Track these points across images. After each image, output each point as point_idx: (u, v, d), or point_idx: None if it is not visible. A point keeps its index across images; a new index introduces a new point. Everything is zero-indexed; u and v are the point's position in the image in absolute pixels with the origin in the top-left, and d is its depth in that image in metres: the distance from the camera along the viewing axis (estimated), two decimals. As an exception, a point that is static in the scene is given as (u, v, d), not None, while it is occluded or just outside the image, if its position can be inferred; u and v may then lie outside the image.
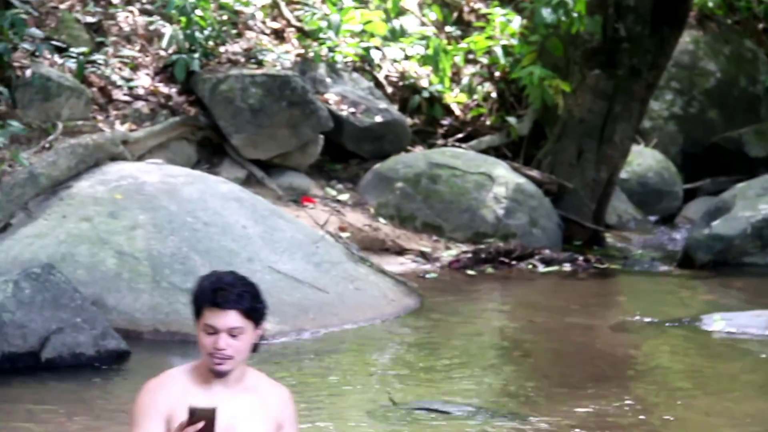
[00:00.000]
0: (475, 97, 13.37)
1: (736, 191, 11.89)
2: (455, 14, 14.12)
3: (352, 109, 11.98)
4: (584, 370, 7.72)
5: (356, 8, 12.71)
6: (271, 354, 7.43)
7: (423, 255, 10.88)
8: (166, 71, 11.09)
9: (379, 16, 12.81)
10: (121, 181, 8.84)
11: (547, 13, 11.88)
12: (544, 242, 11.37)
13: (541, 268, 10.88)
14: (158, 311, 7.96)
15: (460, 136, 13.09)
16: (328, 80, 12.11)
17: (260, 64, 11.39)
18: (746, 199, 11.64)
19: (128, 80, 10.80)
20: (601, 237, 12.18)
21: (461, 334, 8.64)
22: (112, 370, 7.16)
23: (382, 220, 11.36)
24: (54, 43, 10.26)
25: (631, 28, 11.89)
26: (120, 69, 10.88)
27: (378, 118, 12.06)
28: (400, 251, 10.84)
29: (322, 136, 11.53)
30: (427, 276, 10.34)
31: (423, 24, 13.61)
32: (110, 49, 10.94)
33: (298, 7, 12.54)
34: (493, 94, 13.48)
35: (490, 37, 13.29)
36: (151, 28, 11.27)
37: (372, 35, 12.83)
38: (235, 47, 11.55)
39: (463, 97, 13.32)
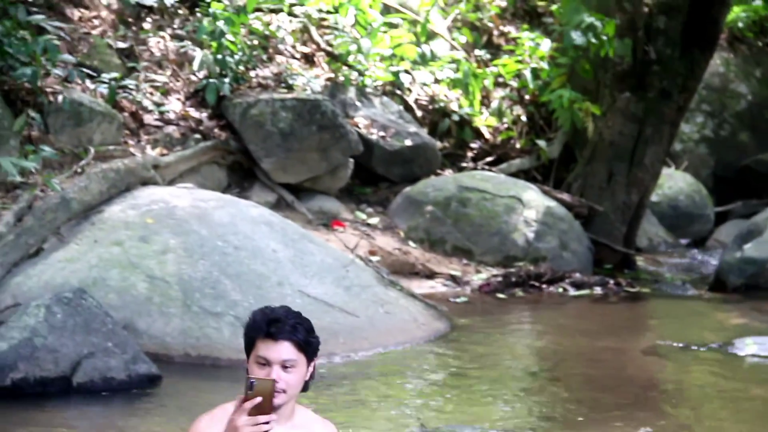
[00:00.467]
0: (505, 120, 13.37)
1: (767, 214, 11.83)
2: (485, 38, 14.14)
3: (382, 133, 12.00)
4: (615, 395, 7.68)
5: (385, 32, 12.75)
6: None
7: (453, 279, 10.87)
8: (197, 96, 11.15)
9: (408, 39, 12.84)
10: (152, 206, 8.88)
11: (576, 35, 11.89)
12: (574, 266, 11.34)
13: (572, 292, 10.84)
14: (189, 335, 7.97)
15: (489, 159, 13.08)
16: (358, 104, 12.15)
17: (290, 88, 11.43)
18: (778, 222, 11.58)
19: (159, 105, 10.86)
20: (632, 260, 12.13)
21: (491, 358, 8.61)
22: (144, 395, 7.17)
23: (412, 243, 11.35)
24: (85, 69, 10.33)
25: (661, 50, 11.87)
26: (151, 94, 10.95)
27: (408, 142, 12.08)
28: (430, 275, 10.83)
29: (352, 160, 11.55)
30: (458, 300, 10.32)
31: (453, 47, 13.64)
32: (141, 74, 11.01)
33: (327, 31, 12.60)
34: (523, 117, 13.48)
35: (519, 61, 13.30)
36: (182, 52, 11.34)
37: (402, 59, 12.86)
38: (265, 71, 11.60)
39: (493, 121, 13.32)
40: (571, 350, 8.98)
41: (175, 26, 11.73)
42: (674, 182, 13.84)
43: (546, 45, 13.18)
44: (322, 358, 8.08)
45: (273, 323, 3.62)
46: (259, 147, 10.98)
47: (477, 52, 13.84)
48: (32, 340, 7.03)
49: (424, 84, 13.13)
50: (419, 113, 12.93)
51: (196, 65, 11.16)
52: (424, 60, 13.07)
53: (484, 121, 13.27)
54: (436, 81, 13.18)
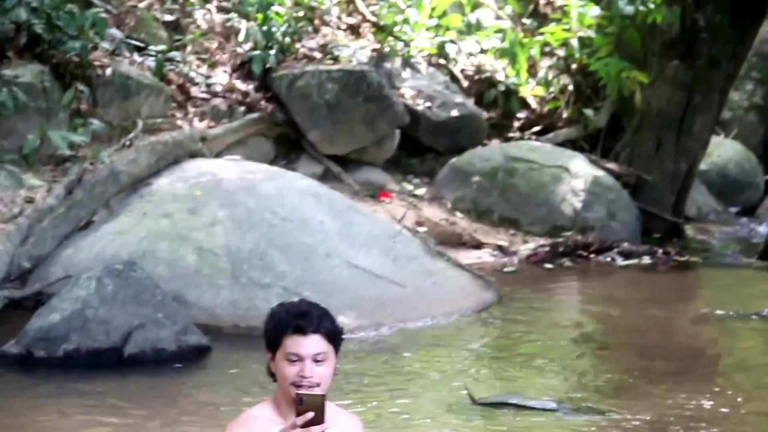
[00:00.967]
0: (552, 89, 13.30)
1: (818, 182, 11.74)
2: (531, 6, 14.05)
3: (428, 104, 11.98)
4: (664, 364, 7.65)
5: (431, 3, 12.71)
6: (351, 349, 7.46)
7: (500, 249, 10.85)
8: (243, 68, 11.17)
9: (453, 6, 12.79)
10: (200, 178, 8.93)
11: (624, 3, 11.79)
12: (622, 235, 11.29)
13: (620, 261, 10.80)
14: (237, 306, 8.02)
15: (536, 129, 13.03)
16: (404, 75, 12.13)
17: (336, 59, 11.43)
18: (829, 190, 11.48)
19: (206, 77, 10.90)
20: (680, 229, 12.07)
21: (539, 328, 8.60)
22: (194, 365, 7.22)
23: (458, 214, 11.34)
24: (133, 42, 10.38)
25: (710, 18, 11.75)
26: (198, 66, 10.98)
27: (454, 112, 12.05)
28: (477, 245, 10.82)
29: (398, 131, 11.55)
30: (505, 270, 10.31)
31: (499, 17, 13.57)
32: (188, 47, 11.04)
33: (373, 2, 12.57)
34: (570, 87, 13.40)
35: (566, 29, 13.21)
36: (228, 25, 11.36)
37: (447, 29, 12.82)
38: (311, 43, 11.61)
39: (540, 90, 13.25)
40: (620, 320, 8.95)
41: (221, -2, 11.75)
42: (723, 150, 13.73)
43: (593, 13, 13.08)
44: (371, 329, 8.12)
45: (300, 317, 3.54)
46: (306, 119, 11.00)
47: (523, 20, 13.76)
48: (84, 311, 7.10)
49: (470, 54, 13.08)
50: (465, 83, 12.89)
51: (242, 37, 11.18)
52: (470, 29, 13.01)
53: (530, 91, 13.20)
54: (482, 51, 13.13)
